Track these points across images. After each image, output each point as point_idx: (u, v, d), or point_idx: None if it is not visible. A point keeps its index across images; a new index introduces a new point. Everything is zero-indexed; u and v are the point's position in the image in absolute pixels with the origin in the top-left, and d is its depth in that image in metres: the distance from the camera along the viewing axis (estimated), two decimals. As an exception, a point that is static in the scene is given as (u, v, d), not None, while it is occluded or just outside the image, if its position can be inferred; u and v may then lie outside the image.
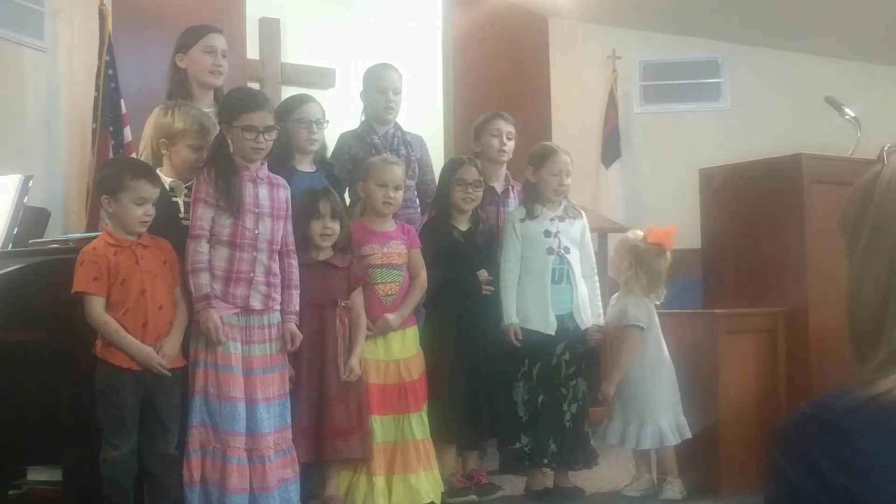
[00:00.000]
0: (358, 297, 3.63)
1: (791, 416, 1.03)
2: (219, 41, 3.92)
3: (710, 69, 7.07)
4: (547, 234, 3.95)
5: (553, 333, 3.87)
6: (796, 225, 4.02)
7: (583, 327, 3.94)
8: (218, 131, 3.46)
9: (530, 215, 3.97)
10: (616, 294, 4.10)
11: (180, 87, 3.87)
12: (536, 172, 4.00)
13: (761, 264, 4.13)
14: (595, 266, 4.08)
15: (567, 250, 3.95)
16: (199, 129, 3.47)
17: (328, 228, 3.57)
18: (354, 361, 3.54)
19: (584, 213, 4.12)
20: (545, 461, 3.88)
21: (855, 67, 6.73)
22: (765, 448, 3.98)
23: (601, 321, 4.01)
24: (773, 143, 4.93)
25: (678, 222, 4.17)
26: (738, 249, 4.24)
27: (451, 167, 4.05)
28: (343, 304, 3.56)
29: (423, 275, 3.80)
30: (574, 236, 4.00)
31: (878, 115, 5.43)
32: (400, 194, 3.81)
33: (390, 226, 3.82)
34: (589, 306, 3.97)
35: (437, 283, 3.90)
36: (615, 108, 6.96)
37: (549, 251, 3.93)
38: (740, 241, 4.22)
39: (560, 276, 3.94)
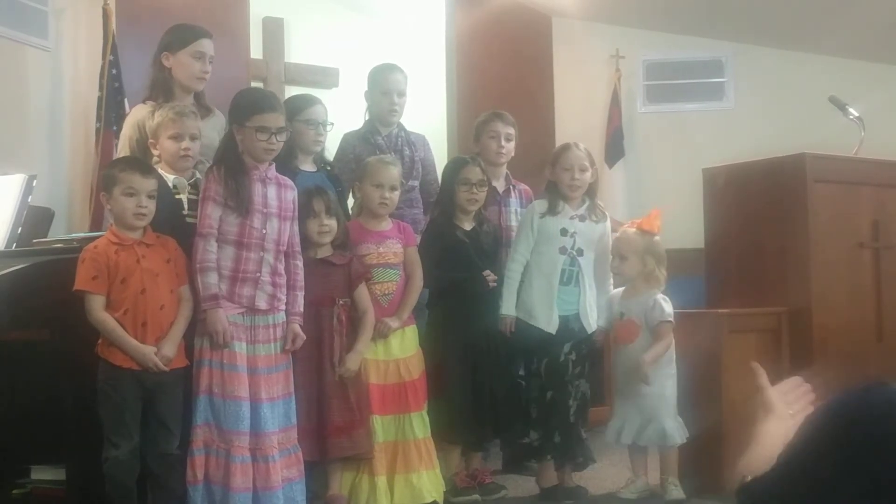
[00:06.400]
0: (362, 293, 3.63)
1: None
2: (209, 47, 3.87)
3: (713, 69, 7.06)
4: (563, 232, 3.89)
5: (554, 333, 3.84)
6: (800, 224, 4.02)
7: (589, 331, 3.90)
8: (196, 117, 3.50)
9: (551, 211, 3.91)
10: (620, 290, 4.05)
11: (163, 86, 3.81)
12: (553, 170, 3.96)
13: (765, 264, 4.12)
14: (611, 271, 4.01)
15: (580, 252, 3.90)
16: (175, 118, 3.45)
17: (325, 225, 3.57)
18: (353, 358, 3.53)
19: (608, 216, 4.06)
20: (549, 456, 3.86)
21: (859, 67, 6.72)
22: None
23: (604, 323, 3.98)
24: (777, 143, 4.93)
25: (681, 222, 4.17)
26: (741, 249, 4.23)
27: (455, 167, 4.03)
28: (341, 302, 3.55)
29: (418, 273, 3.80)
30: (592, 239, 3.93)
31: (881, 114, 5.43)
32: (396, 195, 3.80)
33: (386, 225, 3.82)
34: (596, 309, 3.92)
35: (440, 283, 3.89)
36: (619, 107, 6.96)
37: (562, 251, 3.88)
38: (744, 241, 4.22)
39: (569, 278, 3.89)
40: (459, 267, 3.90)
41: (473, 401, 3.84)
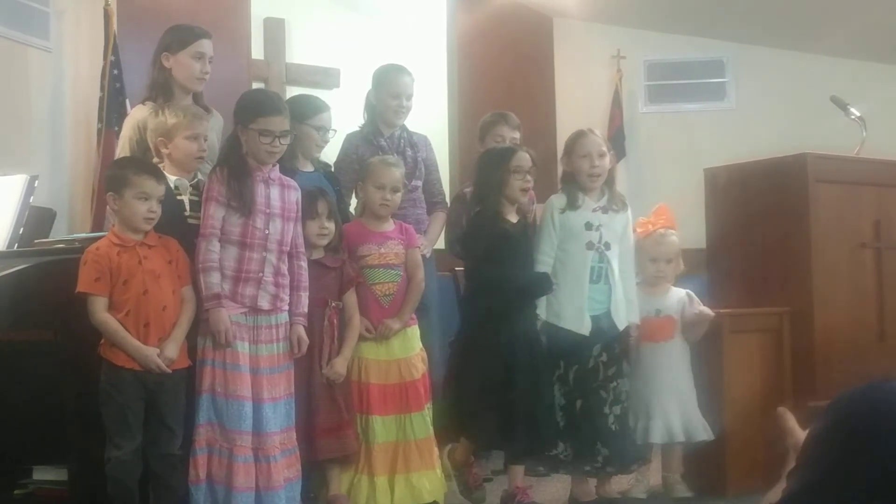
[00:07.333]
0: (350, 298, 3.62)
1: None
2: (208, 48, 3.86)
3: (714, 69, 7.07)
4: (588, 226, 3.72)
5: (587, 335, 3.69)
6: (801, 224, 4.01)
7: (620, 328, 3.75)
8: (209, 120, 3.53)
9: (571, 205, 3.75)
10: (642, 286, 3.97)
11: (163, 86, 3.81)
12: (569, 160, 3.82)
13: (766, 264, 4.12)
14: (634, 263, 3.88)
15: (608, 246, 3.73)
16: (192, 119, 3.46)
17: (325, 228, 3.56)
18: (340, 362, 3.52)
19: (628, 205, 3.90)
20: (587, 468, 3.73)
21: (860, 67, 6.73)
22: (770, 447, 3.98)
23: (636, 319, 3.83)
24: (778, 143, 4.93)
25: (683, 222, 4.16)
26: (742, 249, 4.23)
27: (503, 157, 3.78)
28: (333, 304, 3.55)
29: (419, 275, 3.76)
30: (616, 231, 3.77)
31: (883, 114, 5.43)
32: (398, 196, 3.78)
33: (388, 226, 3.80)
34: (625, 305, 3.77)
35: (491, 279, 3.71)
36: (620, 107, 6.97)
37: (589, 246, 3.72)
38: (745, 241, 4.22)
39: (598, 276, 3.72)
40: (510, 261, 3.70)
41: (511, 406, 3.64)
